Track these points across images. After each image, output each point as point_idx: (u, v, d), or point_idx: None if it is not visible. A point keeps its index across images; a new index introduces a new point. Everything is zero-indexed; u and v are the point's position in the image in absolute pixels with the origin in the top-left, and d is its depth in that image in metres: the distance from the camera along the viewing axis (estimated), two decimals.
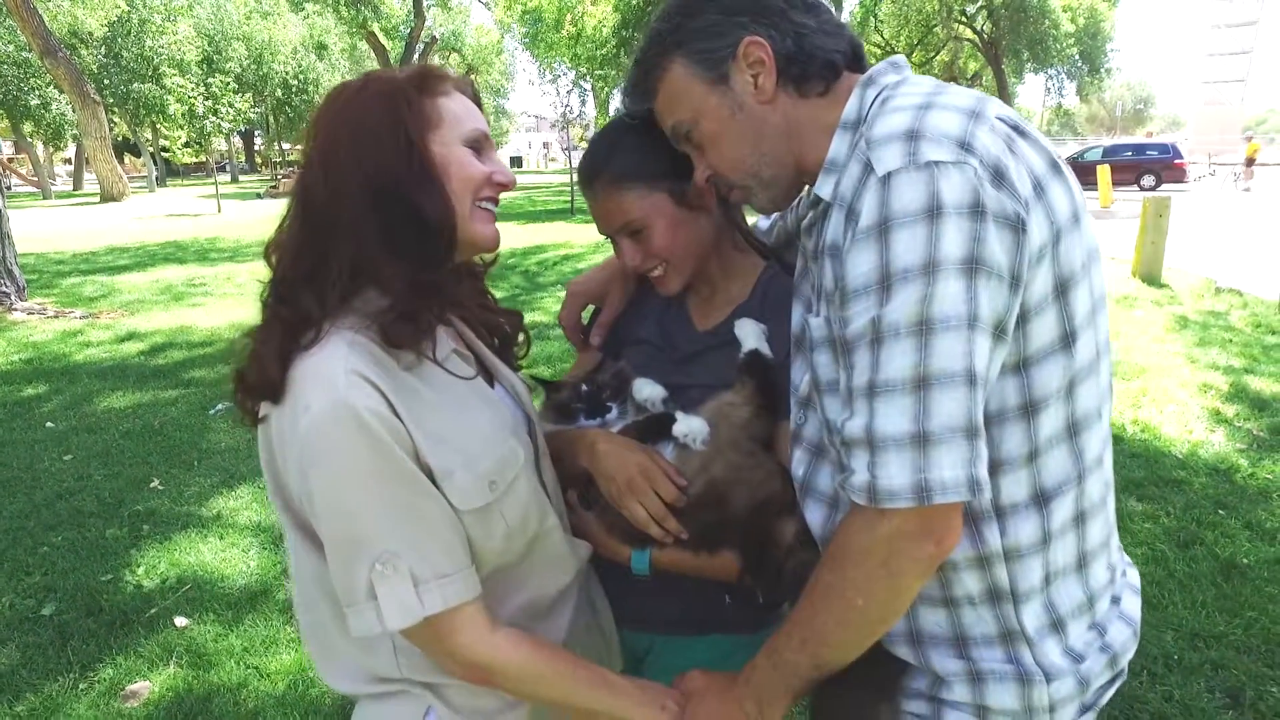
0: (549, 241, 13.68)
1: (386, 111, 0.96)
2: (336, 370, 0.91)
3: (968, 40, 36.65)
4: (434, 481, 0.96)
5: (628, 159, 1.23)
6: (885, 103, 0.94)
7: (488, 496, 1.00)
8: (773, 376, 1.22)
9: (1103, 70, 39.21)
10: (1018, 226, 0.84)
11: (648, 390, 1.26)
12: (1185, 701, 2.40)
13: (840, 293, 0.89)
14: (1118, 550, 1.11)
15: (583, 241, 13.22)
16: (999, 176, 0.84)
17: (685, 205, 1.24)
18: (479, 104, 1.05)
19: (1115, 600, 1.09)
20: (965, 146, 0.84)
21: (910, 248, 0.82)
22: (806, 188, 1.18)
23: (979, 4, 34.14)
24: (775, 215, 1.41)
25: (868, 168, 0.87)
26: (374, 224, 0.95)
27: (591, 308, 1.48)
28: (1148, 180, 23.35)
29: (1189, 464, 4.05)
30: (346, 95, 0.99)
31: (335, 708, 2.50)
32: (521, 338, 1.23)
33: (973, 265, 0.82)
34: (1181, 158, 24.74)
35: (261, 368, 0.94)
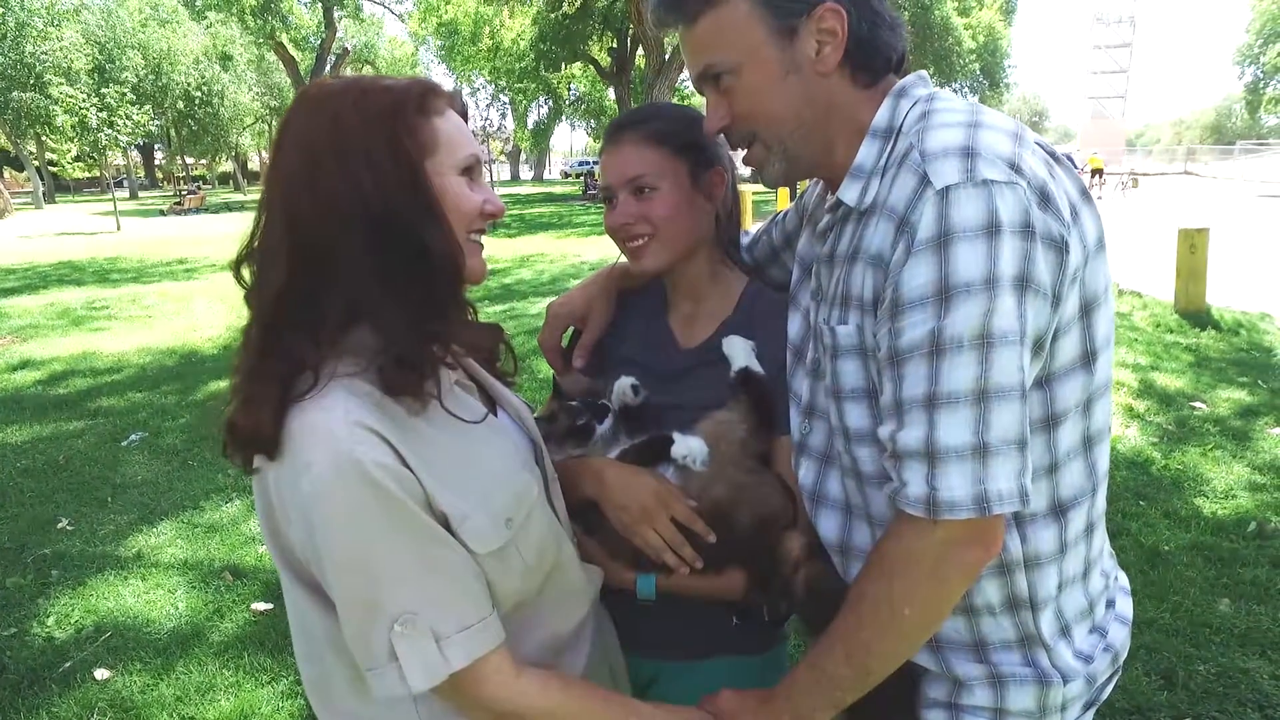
0: None
1: (386, 133, 0.87)
2: (337, 422, 0.85)
3: None
4: (449, 528, 0.91)
5: (665, 123, 1.27)
6: (927, 116, 0.94)
7: (505, 536, 0.95)
8: (766, 392, 1.21)
9: (1002, 85, 41.53)
10: (1061, 247, 0.86)
11: (617, 384, 1.25)
12: (1125, 685, 2.52)
13: (892, 304, 0.89)
14: (1110, 557, 1.15)
15: (504, 256, 13.03)
16: (1045, 199, 0.86)
17: (697, 187, 1.27)
18: (466, 120, 0.99)
19: (1110, 604, 1.13)
20: (1015, 168, 0.86)
21: (972, 262, 0.83)
22: (815, 186, 1.19)
23: None
24: (758, 229, 1.41)
25: (924, 180, 0.87)
26: (372, 260, 0.87)
27: (570, 330, 1.44)
28: None
29: (1110, 458, 4.27)
30: (335, 107, 0.89)
31: None
32: (505, 353, 1.15)
33: (1024, 283, 0.84)
34: (1079, 168, 26.42)
35: (254, 419, 0.87)
